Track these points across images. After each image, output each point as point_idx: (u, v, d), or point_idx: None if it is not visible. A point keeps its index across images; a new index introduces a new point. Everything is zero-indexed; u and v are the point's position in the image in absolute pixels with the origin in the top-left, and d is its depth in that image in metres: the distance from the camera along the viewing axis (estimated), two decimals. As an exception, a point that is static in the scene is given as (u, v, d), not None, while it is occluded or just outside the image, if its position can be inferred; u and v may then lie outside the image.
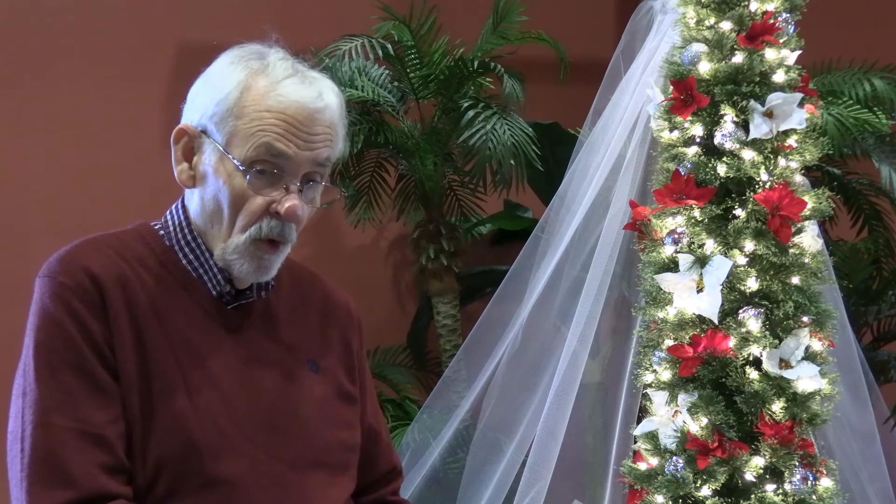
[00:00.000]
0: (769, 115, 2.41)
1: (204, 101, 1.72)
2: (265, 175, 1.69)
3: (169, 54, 3.78)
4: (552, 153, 3.67)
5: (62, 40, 3.69)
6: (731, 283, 2.38)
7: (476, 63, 3.64)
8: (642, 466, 2.49)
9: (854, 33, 4.20)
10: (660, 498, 2.40)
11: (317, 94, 1.71)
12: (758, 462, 2.33)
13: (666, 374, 2.45)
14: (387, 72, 3.77)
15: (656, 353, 2.48)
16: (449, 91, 3.70)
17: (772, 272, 2.40)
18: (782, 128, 2.43)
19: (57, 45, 3.68)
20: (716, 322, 2.38)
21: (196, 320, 1.73)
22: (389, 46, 3.69)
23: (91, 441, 1.61)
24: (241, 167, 1.68)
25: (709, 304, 2.37)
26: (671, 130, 2.50)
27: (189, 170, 1.74)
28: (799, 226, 2.42)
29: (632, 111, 2.92)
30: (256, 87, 1.69)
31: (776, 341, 2.37)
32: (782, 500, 2.32)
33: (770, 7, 2.47)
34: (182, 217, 1.78)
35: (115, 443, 1.63)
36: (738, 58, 2.44)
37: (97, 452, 1.61)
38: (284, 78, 1.70)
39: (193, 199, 1.76)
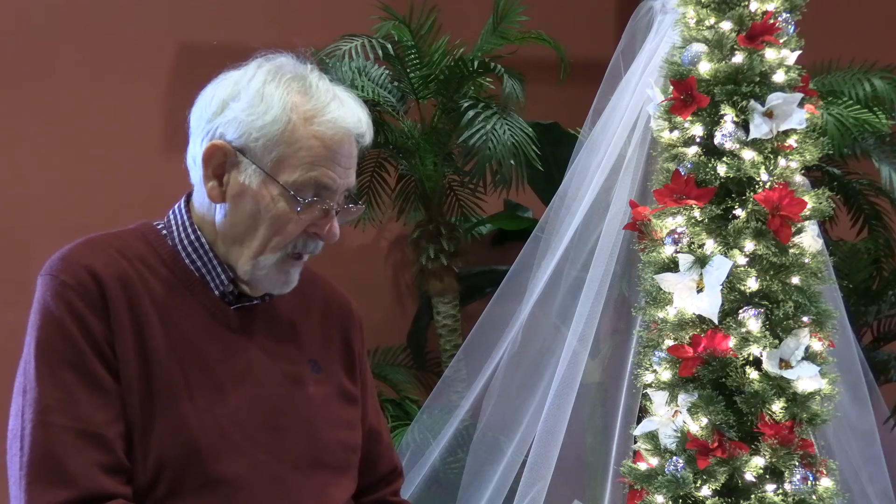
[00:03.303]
0: (769, 115, 2.41)
1: (242, 119, 1.71)
2: (310, 202, 1.71)
3: (169, 54, 3.79)
4: (552, 153, 3.66)
5: (62, 40, 3.69)
6: (731, 283, 2.38)
7: (476, 63, 3.63)
8: (642, 466, 2.49)
9: (854, 33, 4.20)
10: (660, 498, 2.40)
11: (357, 119, 1.75)
12: (758, 462, 2.33)
13: (666, 374, 2.45)
14: (387, 72, 3.77)
15: (656, 353, 2.48)
16: (449, 91, 3.70)
17: (772, 272, 2.40)
18: (782, 128, 2.43)
19: (57, 46, 3.68)
20: (716, 322, 2.38)
21: (198, 320, 1.73)
22: (389, 46, 3.69)
23: (90, 440, 1.61)
24: (292, 194, 1.70)
25: (709, 304, 2.37)
26: (671, 130, 2.50)
27: (219, 186, 1.73)
28: (799, 226, 2.42)
29: (632, 111, 2.92)
30: (301, 111, 1.70)
31: (776, 341, 2.37)
32: (782, 500, 2.32)
33: (770, 7, 2.47)
34: (185, 217, 1.78)
35: (115, 442, 1.63)
36: (738, 58, 2.44)
37: (96, 452, 1.61)
38: (328, 102, 1.72)
39: (218, 212, 1.75)
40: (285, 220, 1.72)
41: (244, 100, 1.71)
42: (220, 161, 1.72)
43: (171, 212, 1.81)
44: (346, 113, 1.73)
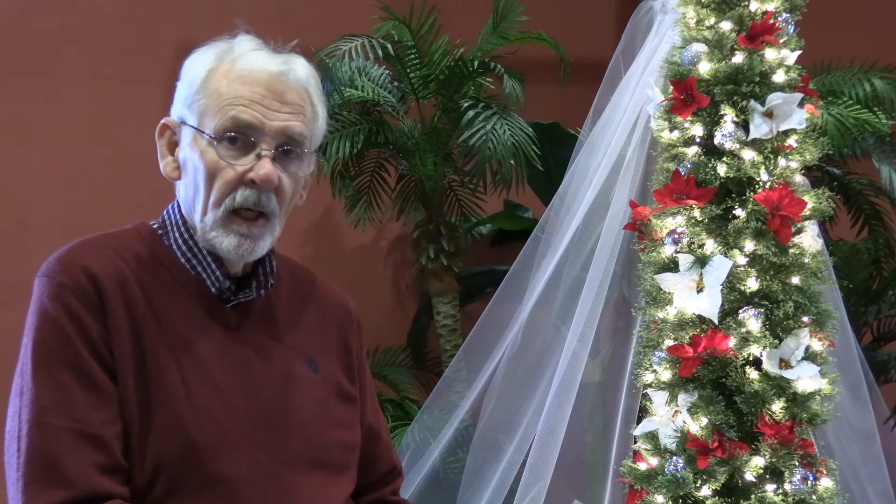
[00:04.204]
0: (769, 115, 2.41)
1: (180, 91, 1.76)
2: (236, 144, 1.70)
3: (169, 54, 3.78)
4: (552, 153, 3.67)
5: (62, 40, 3.69)
6: (731, 283, 2.38)
7: (476, 63, 3.63)
8: (642, 466, 2.49)
9: (854, 33, 4.20)
10: (660, 498, 2.40)
11: (282, 60, 1.74)
12: (758, 462, 2.33)
13: (666, 374, 2.44)
14: (387, 72, 3.77)
15: (656, 353, 2.48)
16: (449, 91, 3.70)
17: (772, 272, 2.40)
18: (782, 128, 2.43)
19: (57, 45, 3.68)
20: (716, 322, 2.38)
21: (195, 319, 1.73)
22: (389, 46, 3.69)
23: (87, 441, 1.61)
24: (209, 136, 1.69)
25: (709, 304, 2.37)
26: (671, 130, 2.50)
27: (173, 162, 1.77)
28: (799, 226, 2.42)
29: (632, 111, 2.92)
30: (223, 64, 1.72)
31: (776, 341, 2.37)
32: (782, 500, 2.32)
33: (770, 7, 2.47)
34: (179, 216, 1.78)
35: (112, 443, 1.63)
36: (738, 58, 2.44)
37: (93, 452, 1.61)
38: (250, 50, 1.74)
39: (180, 191, 1.77)
40: (216, 169, 1.70)
41: (182, 75, 1.77)
42: (170, 138, 1.76)
43: (165, 212, 1.81)
44: (269, 58, 1.73)
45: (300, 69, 1.75)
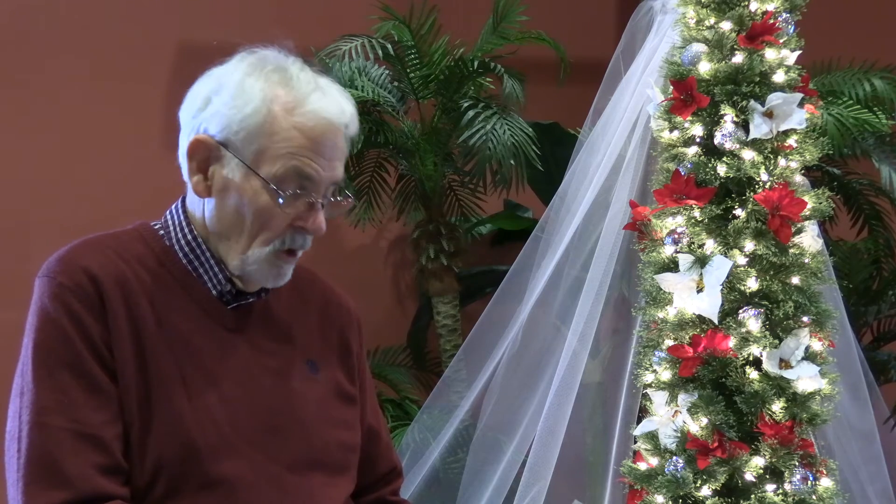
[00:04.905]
0: (769, 115, 2.41)
1: (224, 113, 1.70)
2: (293, 195, 1.70)
3: (169, 54, 3.79)
4: (552, 153, 3.67)
5: (62, 40, 3.69)
6: (731, 283, 2.38)
7: (476, 63, 3.63)
8: (642, 466, 2.49)
9: (854, 33, 4.20)
10: (660, 498, 2.40)
11: (339, 109, 1.72)
12: (758, 462, 2.33)
13: (666, 374, 2.45)
14: (387, 72, 3.77)
15: (656, 353, 2.48)
16: (449, 91, 3.70)
17: (772, 272, 2.40)
18: (782, 128, 2.43)
19: (57, 45, 3.68)
20: (716, 322, 2.38)
21: (195, 320, 1.72)
22: (389, 46, 3.69)
23: (87, 442, 1.61)
24: (273, 187, 1.68)
25: (709, 304, 2.37)
26: (671, 130, 2.50)
27: (205, 181, 1.73)
28: (799, 226, 2.42)
29: (632, 111, 2.92)
30: (282, 103, 1.69)
31: (776, 341, 2.37)
32: (782, 500, 2.32)
33: (770, 7, 2.47)
34: (182, 217, 1.78)
35: (112, 444, 1.63)
36: (738, 58, 2.44)
37: (93, 453, 1.61)
38: (309, 93, 1.71)
39: (206, 207, 1.75)
40: (269, 214, 1.70)
41: (225, 94, 1.71)
42: (204, 155, 1.72)
43: (167, 212, 1.80)
44: (327, 103, 1.71)
45: (351, 110, 1.75)
